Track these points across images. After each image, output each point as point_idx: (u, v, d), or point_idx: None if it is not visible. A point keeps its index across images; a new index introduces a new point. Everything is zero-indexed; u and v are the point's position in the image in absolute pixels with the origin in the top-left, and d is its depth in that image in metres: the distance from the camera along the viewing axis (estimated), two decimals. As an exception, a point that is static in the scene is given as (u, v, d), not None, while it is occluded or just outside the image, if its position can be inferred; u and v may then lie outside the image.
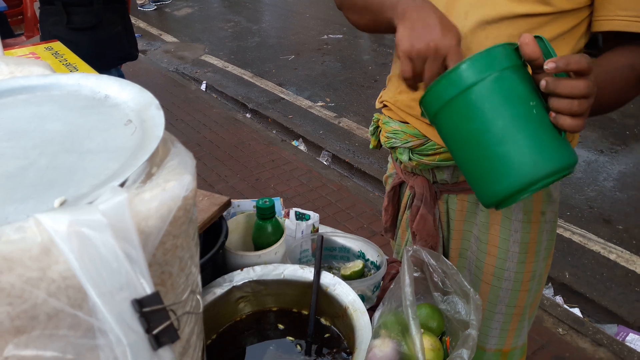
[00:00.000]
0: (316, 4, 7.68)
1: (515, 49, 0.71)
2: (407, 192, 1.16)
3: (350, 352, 0.78)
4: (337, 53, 5.81)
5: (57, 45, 1.92)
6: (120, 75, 2.66)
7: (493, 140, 0.69)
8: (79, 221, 0.36)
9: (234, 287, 0.90)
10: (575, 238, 2.80)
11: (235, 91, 4.89)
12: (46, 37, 2.31)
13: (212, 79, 5.22)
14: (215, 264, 0.97)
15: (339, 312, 0.85)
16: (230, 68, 5.50)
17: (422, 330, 0.67)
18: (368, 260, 1.04)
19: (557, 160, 0.68)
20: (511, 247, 1.04)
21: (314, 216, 1.13)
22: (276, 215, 1.03)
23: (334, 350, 0.84)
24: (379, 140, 1.14)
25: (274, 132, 4.15)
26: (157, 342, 0.35)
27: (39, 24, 2.47)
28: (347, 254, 1.08)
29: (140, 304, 0.35)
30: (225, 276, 0.91)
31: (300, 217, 1.12)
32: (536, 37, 0.70)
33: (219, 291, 0.89)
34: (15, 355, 0.34)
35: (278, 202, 1.21)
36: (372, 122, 1.15)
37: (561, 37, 0.89)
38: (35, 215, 0.36)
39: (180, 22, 7.29)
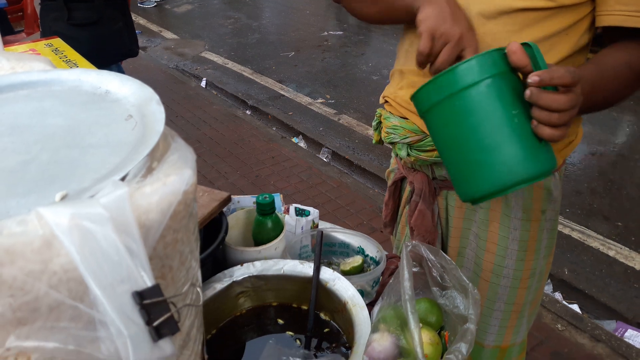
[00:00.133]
0: (316, 1, 7.67)
1: (505, 54, 0.72)
2: (407, 188, 1.16)
3: (350, 347, 0.78)
4: (338, 50, 5.81)
5: (57, 42, 1.92)
6: (121, 71, 2.66)
7: (472, 146, 0.73)
8: (80, 214, 0.36)
9: (234, 282, 0.90)
10: (575, 234, 2.80)
11: (235, 88, 4.89)
12: (47, 33, 2.31)
13: (212, 75, 5.21)
14: (216, 259, 0.98)
15: (338, 307, 0.86)
16: (231, 65, 5.50)
17: (420, 324, 0.68)
18: (367, 255, 1.05)
19: (531, 168, 0.71)
20: (510, 245, 1.04)
21: (314, 212, 1.13)
22: (276, 211, 1.03)
23: (334, 345, 0.84)
24: (382, 136, 1.15)
25: (274, 129, 4.15)
26: (158, 333, 0.35)
27: (39, 20, 2.47)
28: (346, 250, 1.08)
29: (140, 296, 0.35)
30: (226, 271, 0.92)
31: (300, 213, 1.12)
32: (525, 44, 0.71)
33: (219, 286, 0.89)
34: (17, 346, 0.34)
35: (278, 198, 1.22)
36: (375, 117, 1.16)
37: (563, 32, 0.88)
38: (36, 209, 0.36)
39: (180, 19, 7.29)
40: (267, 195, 1.01)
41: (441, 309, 0.77)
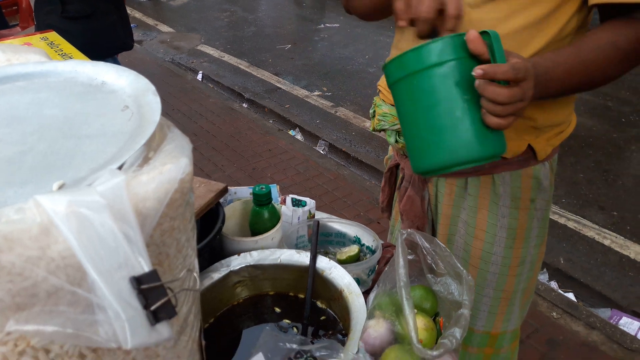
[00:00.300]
0: (312, -7, 7.65)
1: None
2: (400, 174, 1.17)
3: (346, 334, 0.79)
4: (334, 42, 5.80)
5: (53, 36, 1.91)
6: (117, 64, 2.64)
7: (423, 124, 0.77)
8: (78, 202, 0.37)
9: (231, 271, 0.91)
10: (570, 224, 2.82)
11: (231, 81, 4.88)
12: (41, 27, 2.30)
13: (209, 68, 5.20)
14: (213, 249, 0.99)
15: (334, 295, 0.87)
16: (227, 58, 5.48)
17: (415, 310, 0.69)
18: (364, 245, 1.06)
19: (474, 152, 0.74)
20: (498, 232, 1.05)
21: (310, 202, 1.14)
22: (273, 202, 1.04)
23: (330, 332, 0.85)
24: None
25: (271, 121, 4.15)
26: (155, 317, 0.36)
27: (33, 14, 2.46)
28: (343, 239, 1.09)
29: (138, 281, 0.36)
30: (223, 261, 0.93)
31: (296, 203, 1.13)
32: (483, 32, 0.73)
33: (216, 276, 0.90)
34: (17, 330, 0.35)
35: (275, 189, 1.22)
36: (372, 105, 1.17)
37: (551, 15, 0.88)
38: (34, 197, 0.37)
39: (176, 12, 7.26)
40: (264, 186, 1.02)
41: (436, 296, 0.78)
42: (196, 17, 6.96)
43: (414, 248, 0.77)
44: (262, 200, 1.01)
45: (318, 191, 3.16)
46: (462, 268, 0.72)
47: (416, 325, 0.64)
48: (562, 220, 2.85)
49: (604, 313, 2.31)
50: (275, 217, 1.03)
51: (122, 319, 0.34)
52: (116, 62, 2.67)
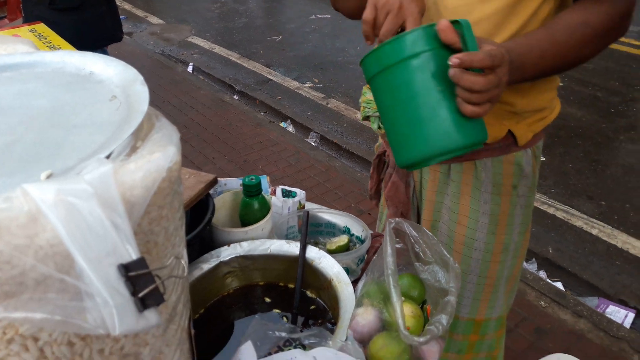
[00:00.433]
0: (303, -16, 7.61)
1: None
2: (386, 160, 1.19)
3: (335, 322, 0.80)
4: (325, 33, 5.78)
5: (41, 27, 1.89)
6: (105, 56, 2.62)
7: (401, 117, 0.77)
8: (65, 190, 0.37)
9: (221, 262, 0.92)
10: (559, 214, 2.85)
11: (222, 73, 4.86)
12: (29, 18, 2.28)
13: (199, 60, 5.17)
14: (203, 240, 0.99)
15: (324, 285, 0.88)
16: (217, 49, 5.46)
17: (403, 298, 0.70)
18: (353, 235, 1.07)
19: (452, 142, 0.74)
20: (480, 218, 1.06)
21: (300, 193, 1.15)
22: (263, 193, 1.04)
23: (320, 321, 0.86)
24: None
25: (262, 113, 4.14)
26: (143, 304, 0.37)
27: (21, 5, 2.43)
28: (332, 230, 1.10)
29: (126, 269, 0.36)
30: (213, 252, 0.93)
31: (286, 194, 1.14)
32: (455, 22, 0.73)
33: (206, 266, 0.90)
34: (5, 317, 0.35)
35: (265, 180, 1.23)
36: (362, 94, 1.18)
37: None
38: (22, 185, 0.37)
39: (166, 4, 7.19)
40: (254, 177, 1.02)
41: (423, 284, 0.79)
42: (186, 8, 6.90)
43: (401, 237, 0.78)
44: (252, 191, 1.01)
45: (309, 183, 3.17)
46: (449, 256, 0.73)
47: (403, 312, 0.65)
48: (551, 210, 2.88)
49: (592, 302, 2.34)
50: (266, 208, 1.04)
51: (110, 305, 0.35)
52: (105, 54, 2.65)
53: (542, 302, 2.28)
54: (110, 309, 0.35)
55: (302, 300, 0.90)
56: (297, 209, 1.14)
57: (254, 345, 0.67)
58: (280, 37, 5.72)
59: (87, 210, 0.37)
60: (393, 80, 0.77)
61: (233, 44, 5.59)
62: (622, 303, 2.32)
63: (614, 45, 5.31)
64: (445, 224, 1.11)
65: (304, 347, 0.69)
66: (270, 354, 0.67)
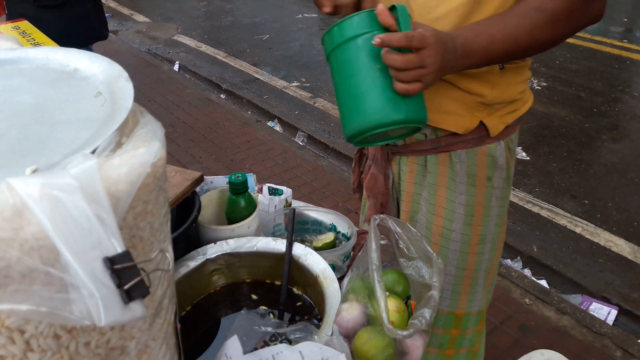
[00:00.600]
0: (290, -17, 7.60)
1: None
2: (365, 152, 1.21)
3: (321, 318, 0.81)
4: (312, 33, 5.79)
5: (25, 25, 1.88)
6: (91, 54, 2.60)
7: (344, 93, 0.86)
8: (50, 184, 0.38)
9: (207, 259, 0.92)
10: (544, 213, 2.89)
11: (209, 71, 4.84)
12: (13, 16, 2.26)
13: (185, 59, 5.15)
14: (189, 238, 0.99)
15: (310, 281, 0.88)
16: (204, 48, 5.44)
17: (387, 293, 0.71)
18: (339, 232, 1.07)
19: (386, 117, 0.82)
20: (457, 209, 1.08)
21: (287, 191, 1.15)
22: (249, 191, 1.05)
23: (306, 317, 0.87)
24: None
25: (249, 112, 4.14)
26: (129, 296, 0.37)
27: (4, 2, 2.40)
28: (319, 227, 1.11)
29: (111, 262, 0.37)
30: (199, 249, 0.93)
31: (273, 192, 1.14)
32: (391, 7, 0.80)
33: (192, 264, 0.91)
34: (-8, 309, 0.35)
35: (251, 178, 1.23)
36: None
37: None
38: (6, 180, 0.37)
39: (151, 2, 7.15)
40: (240, 175, 1.02)
41: (408, 280, 0.80)
42: (172, 6, 6.87)
43: (386, 233, 0.79)
44: (239, 188, 1.02)
45: (297, 182, 3.17)
46: (432, 251, 0.74)
47: (387, 306, 0.66)
48: (535, 209, 2.91)
49: (575, 299, 2.37)
50: (252, 206, 1.04)
51: (96, 297, 0.35)
52: (91, 51, 2.63)
53: (527, 300, 2.31)
54: (96, 300, 0.35)
55: (289, 297, 0.90)
56: (284, 206, 1.14)
57: (240, 340, 0.67)
58: (267, 36, 5.72)
59: (72, 204, 0.38)
60: (340, 58, 0.85)
61: (219, 42, 5.58)
62: (605, 300, 2.36)
63: (597, 46, 5.38)
64: (424, 216, 1.13)
65: (290, 342, 0.70)
66: (256, 348, 0.68)
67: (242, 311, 0.72)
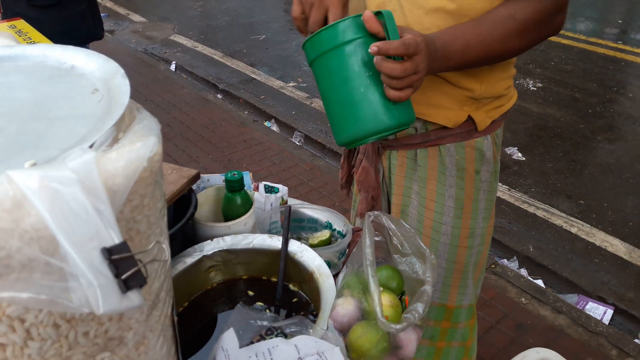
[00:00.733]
0: (287, -16, 7.61)
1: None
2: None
3: (317, 314, 0.82)
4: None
5: (21, 24, 1.88)
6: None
7: (334, 101, 0.85)
8: (49, 177, 0.38)
9: (204, 256, 0.93)
10: (540, 213, 2.90)
11: (205, 71, 4.84)
12: (8, 15, 2.26)
13: (182, 59, 5.15)
14: (186, 235, 1.00)
15: (305, 277, 0.89)
16: (200, 48, 5.44)
17: (381, 288, 0.72)
18: (335, 230, 1.08)
19: (380, 123, 0.81)
20: (447, 202, 1.10)
21: (283, 189, 1.16)
22: (245, 188, 1.05)
23: (302, 313, 0.88)
24: None
25: (246, 112, 4.15)
26: (126, 285, 0.38)
27: (0, 1, 2.40)
28: (315, 225, 1.11)
29: (109, 252, 0.38)
30: (196, 246, 0.94)
31: (269, 190, 1.15)
32: (377, 12, 0.79)
33: (189, 260, 0.91)
34: (-8, 297, 0.36)
35: (247, 176, 1.24)
36: None
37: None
38: (6, 172, 0.38)
39: (148, 1, 7.15)
40: (236, 172, 1.03)
41: (402, 276, 0.81)
42: (169, 6, 6.87)
43: (380, 229, 0.80)
44: (235, 186, 1.02)
45: (294, 182, 3.18)
46: (425, 247, 0.75)
47: (381, 301, 0.67)
48: (531, 209, 2.93)
49: (571, 299, 2.39)
50: (248, 203, 1.05)
51: (94, 286, 0.36)
52: (87, 51, 2.63)
53: (523, 299, 2.32)
54: (94, 289, 0.36)
55: (285, 293, 0.91)
56: (280, 204, 1.15)
57: (236, 333, 0.68)
58: (264, 36, 5.73)
59: (70, 196, 0.38)
60: (328, 66, 0.83)
61: (216, 42, 5.58)
62: (601, 300, 2.37)
63: (591, 47, 5.40)
64: (415, 209, 1.14)
65: (286, 336, 0.70)
66: (252, 342, 0.69)
67: (238, 305, 0.73)
